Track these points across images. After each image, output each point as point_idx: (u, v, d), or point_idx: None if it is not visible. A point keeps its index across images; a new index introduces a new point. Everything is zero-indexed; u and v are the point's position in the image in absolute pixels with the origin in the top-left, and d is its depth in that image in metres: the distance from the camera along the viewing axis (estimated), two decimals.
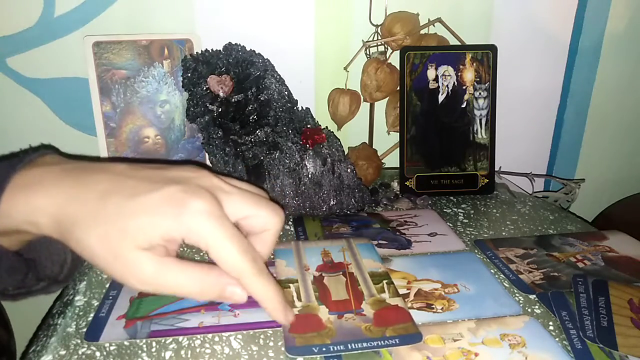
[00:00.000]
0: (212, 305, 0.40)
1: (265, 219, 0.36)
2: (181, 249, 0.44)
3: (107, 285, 0.43)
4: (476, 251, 0.51)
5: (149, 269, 0.33)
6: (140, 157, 0.63)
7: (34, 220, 0.33)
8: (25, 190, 0.34)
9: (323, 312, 0.39)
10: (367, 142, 0.72)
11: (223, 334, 0.37)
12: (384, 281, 0.43)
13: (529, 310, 0.41)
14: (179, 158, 0.64)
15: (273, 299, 0.36)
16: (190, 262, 0.34)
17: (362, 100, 0.69)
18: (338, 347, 0.35)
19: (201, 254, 0.49)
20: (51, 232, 0.33)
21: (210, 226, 0.33)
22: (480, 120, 0.65)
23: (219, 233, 0.33)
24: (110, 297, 0.41)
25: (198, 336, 0.37)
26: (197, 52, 0.62)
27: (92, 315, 0.40)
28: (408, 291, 0.43)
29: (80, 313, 0.40)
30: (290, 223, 0.56)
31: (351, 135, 0.74)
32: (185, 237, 0.33)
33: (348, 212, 0.57)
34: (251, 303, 0.39)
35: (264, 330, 0.38)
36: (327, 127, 0.60)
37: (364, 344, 0.35)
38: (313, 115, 0.61)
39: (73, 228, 0.33)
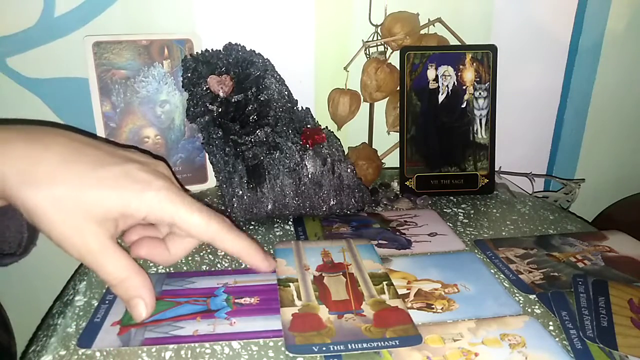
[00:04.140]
0: (209, 313, 0.39)
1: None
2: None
3: (106, 287, 0.43)
4: (476, 251, 0.51)
5: (93, 245, 0.34)
6: None
7: None
8: None
9: (323, 312, 0.39)
10: (367, 142, 0.72)
11: None
12: (384, 282, 0.43)
13: (529, 310, 0.41)
14: (179, 158, 0.64)
15: (250, 249, 0.39)
16: (125, 254, 0.36)
17: (362, 100, 0.69)
18: (338, 346, 0.35)
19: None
20: None
21: (174, 201, 0.36)
22: (480, 120, 0.65)
23: (182, 204, 0.36)
24: (107, 302, 0.41)
25: None
26: (197, 52, 0.62)
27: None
28: (408, 291, 0.43)
29: (80, 313, 0.40)
30: (290, 223, 0.56)
31: (351, 135, 0.74)
32: (146, 214, 0.35)
33: (348, 212, 0.57)
34: (248, 312, 0.39)
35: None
36: (327, 127, 0.60)
37: (364, 345, 0.35)
38: (313, 115, 0.61)
39: (21, 186, 0.33)
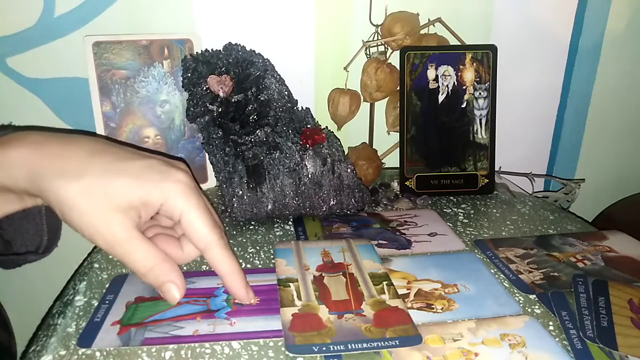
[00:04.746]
0: (209, 313, 0.39)
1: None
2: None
3: (106, 287, 0.43)
4: (476, 251, 0.51)
5: (120, 234, 0.35)
6: None
7: (12, 173, 0.35)
8: (4, 145, 0.35)
9: (323, 312, 0.39)
10: (367, 142, 0.72)
11: None
12: (384, 282, 0.43)
13: (529, 310, 0.41)
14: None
15: (236, 274, 0.39)
16: (151, 243, 0.37)
17: (362, 100, 0.69)
18: (338, 346, 0.35)
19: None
20: (26, 185, 0.35)
21: (187, 196, 0.37)
22: (480, 120, 0.65)
23: (194, 204, 0.37)
24: (107, 302, 0.41)
25: None
26: (197, 52, 0.62)
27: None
28: (408, 291, 0.43)
29: (80, 313, 0.40)
30: (290, 223, 0.56)
31: (351, 135, 0.74)
32: (162, 204, 0.36)
33: (348, 212, 0.57)
34: (248, 312, 0.40)
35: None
36: (327, 127, 0.60)
37: (364, 345, 0.35)
38: (313, 115, 0.61)
39: (54, 179, 0.34)
